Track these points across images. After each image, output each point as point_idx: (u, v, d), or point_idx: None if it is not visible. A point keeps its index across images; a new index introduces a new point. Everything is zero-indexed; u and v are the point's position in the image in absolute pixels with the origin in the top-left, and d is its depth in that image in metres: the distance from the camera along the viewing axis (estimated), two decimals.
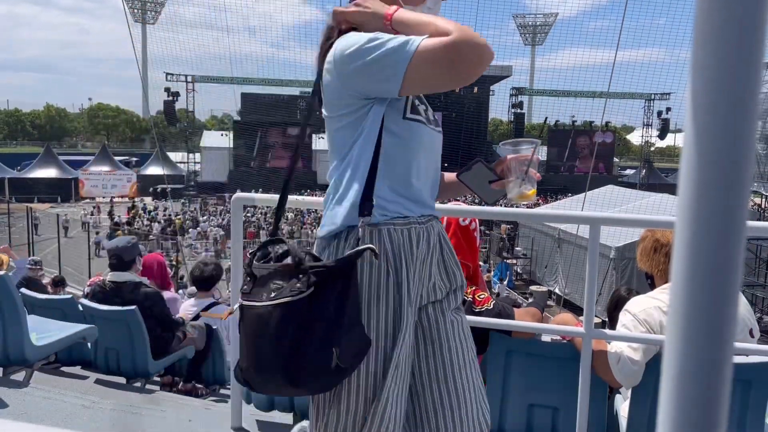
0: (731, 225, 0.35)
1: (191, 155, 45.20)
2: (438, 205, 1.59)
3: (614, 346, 1.99)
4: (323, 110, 1.40)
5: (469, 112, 44.26)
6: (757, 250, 15.16)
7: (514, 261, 20.65)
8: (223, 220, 27.96)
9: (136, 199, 36.37)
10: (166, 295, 4.19)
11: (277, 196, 1.63)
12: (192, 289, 5.91)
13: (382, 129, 1.31)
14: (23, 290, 3.94)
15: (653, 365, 1.92)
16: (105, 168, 39.61)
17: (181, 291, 10.52)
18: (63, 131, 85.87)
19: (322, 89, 1.38)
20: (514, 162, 1.46)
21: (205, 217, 29.89)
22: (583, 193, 15.72)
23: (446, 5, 1.47)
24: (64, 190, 37.35)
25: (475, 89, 44.21)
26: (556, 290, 17.51)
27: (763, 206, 25.96)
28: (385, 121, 1.31)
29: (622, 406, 2.17)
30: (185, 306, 4.59)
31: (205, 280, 4.59)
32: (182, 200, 36.28)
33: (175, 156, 46.51)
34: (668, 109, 44.64)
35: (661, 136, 47.35)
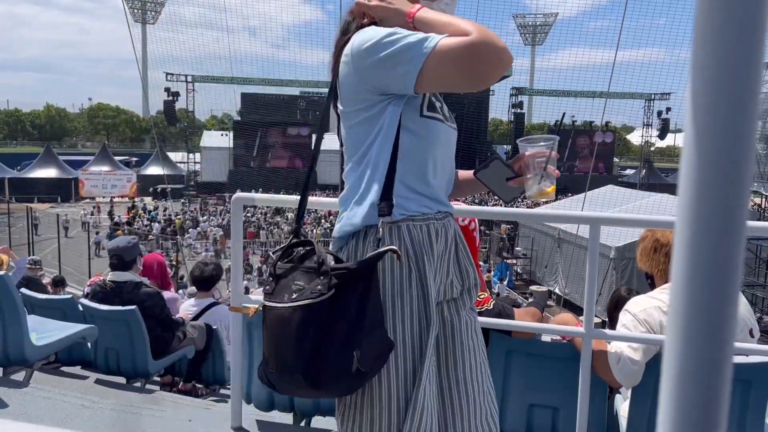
0: (731, 225, 0.35)
1: (191, 155, 45.21)
2: None
3: (614, 346, 1.99)
4: (339, 105, 1.38)
5: (469, 112, 44.23)
6: (757, 250, 15.16)
7: (514, 261, 20.66)
8: (223, 220, 27.97)
9: (136, 199, 36.38)
10: (166, 295, 4.19)
11: (277, 196, 1.64)
12: (192, 289, 5.91)
13: (400, 127, 1.30)
14: (23, 290, 3.94)
15: (653, 365, 1.92)
16: (105, 168, 39.61)
17: (181, 291, 10.53)
18: (63, 131, 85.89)
19: (338, 84, 1.36)
20: (532, 159, 1.44)
21: (205, 217, 29.89)
22: (583, 193, 15.72)
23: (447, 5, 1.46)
24: (64, 190, 37.36)
25: None
26: (556, 290, 17.51)
27: (763, 206, 25.97)
28: (403, 118, 1.30)
29: (622, 406, 2.17)
30: (185, 306, 4.59)
31: (205, 280, 4.59)
32: (182, 200, 36.29)
33: (175, 156, 46.54)
34: (668, 109, 44.66)
35: (661, 136, 47.36)
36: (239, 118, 49.04)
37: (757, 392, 1.89)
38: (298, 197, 1.56)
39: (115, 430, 2.53)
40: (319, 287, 1.19)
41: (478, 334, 1.46)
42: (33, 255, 12.02)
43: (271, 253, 1.40)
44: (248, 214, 27.93)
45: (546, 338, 2.31)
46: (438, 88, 1.28)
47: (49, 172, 38.43)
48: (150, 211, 31.46)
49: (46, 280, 7.56)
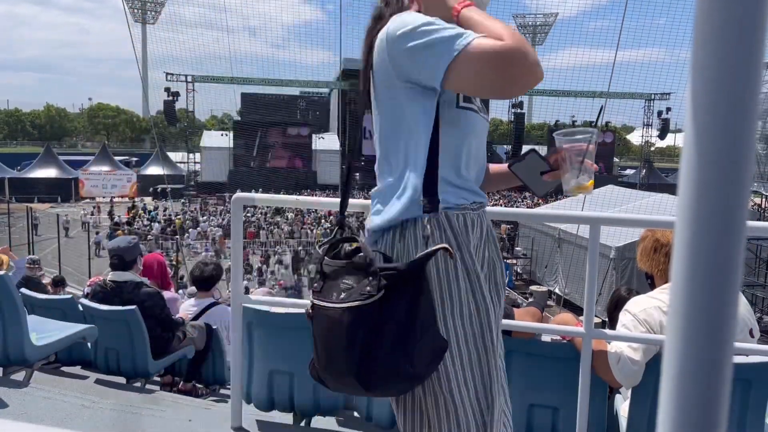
0: (731, 225, 0.35)
1: (191, 155, 45.20)
2: None
3: (614, 346, 1.99)
4: (372, 93, 1.36)
5: None
6: (757, 250, 15.16)
7: (514, 261, 20.66)
8: (223, 220, 27.97)
9: (136, 199, 36.38)
10: (166, 295, 4.19)
11: (277, 196, 1.63)
12: (192, 289, 5.91)
13: (437, 118, 1.28)
14: (23, 290, 3.94)
15: (653, 365, 1.92)
16: (105, 168, 39.61)
17: (181, 291, 10.53)
18: (63, 131, 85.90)
19: (371, 73, 1.34)
20: (569, 153, 1.40)
21: (205, 217, 29.90)
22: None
23: None
24: (64, 190, 37.36)
25: None
26: (556, 290, 17.52)
27: (763, 206, 25.97)
28: (440, 109, 1.28)
29: (622, 406, 2.17)
30: (185, 306, 4.59)
31: (205, 280, 4.59)
32: (182, 200, 36.29)
33: (175, 156, 46.53)
34: (668, 109, 44.66)
35: (661, 136, 47.36)
36: (239, 118, 49.05)
37: (757, 392, 1.89)
38: (298, 197, 1.56)
39: (115, 430, 2.53)
40: (368, 288, 1.17)
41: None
42: (33, 255, 12.02)
43: (317, 247, 1.36)
44: (248, 214, 27.93)
45: (546, 338, 2.31)
46: (464, 87, 1.24)
47: (49, 172, 38.44)
48: (150, 211, 31.46)
49: (46, 280, 7.55)
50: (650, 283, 2.23)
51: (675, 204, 0.38)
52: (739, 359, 1.86)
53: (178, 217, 28.06)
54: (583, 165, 1.39)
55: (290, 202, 2.11)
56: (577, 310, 12.46)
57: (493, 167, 1.59)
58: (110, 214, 30.70)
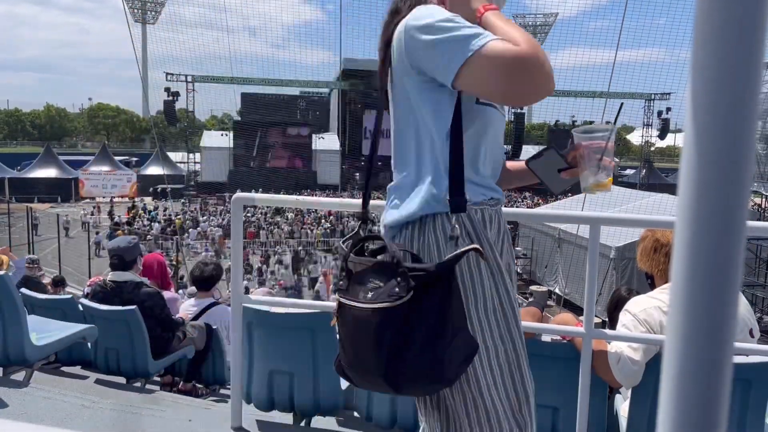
0: (731, 225, 0.35)
1: (191, 155, 45.18)
2: None
3: (614, 346, 1.99)
4: (389, 87, 1.34)
5: None
6: (757, 250, 15.16)
7: (514, 261, 20.63)
8: (223, 220, 27.97)
9: (136, 199, 36.38)
10: (166, 295, 4.18)
11: (277, 196, 1.63)
12: (192, 289, 5.91)
13: (459, 114, 1.26)
14: (23, 290, 3.94)
15: (653, 365, 1.92)
16: (105, 168, 39.61)
17: (181, 291, 10.53)
18: (63, 131, 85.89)
19: (391, 68, 1.32)
20: (587, 150, 1.38)
21: (205, 217, 29.90)
22: (583, 194, 15.72)
23: None
24: (64, 190, 37.36)
25: None
26: (556, 290, 17.52)
27: (763, 206, 25.96)
28: (462, 105, 1.27)
29: (622, 406, 2.17)
30: (185, 306, 4.59)
31: (205, 280, 4.59)
32: (182, 200, 36.28)
33: (175, 156, 46.52)
34: (668, 109, 44.63)
35: (661, 136, 47.33)
36: (239, 118, 49.02)
37: (757, 392, 1.89)
38: (298, 197, 1.55)
39: (115, 430, 2.53)
40: (396, 289, 1.15)
41: None
42: (32, 255, 12.02)
43: (340, 243, 1.35)
44: (248, 214, 27.93)
45: (546, 338, 2.31)
46: (474, 89, 1.22)
47: (49, 172, 38.43)
48: (150, 211, 31.47)
49: (46, 280, 7.55)
50: (650, 283, 2.23)
51: (675, 204, 0.38)
52: (739, 359, 1.86)
53: (178, 217, 28.05)
54: (602, 162, 1.36)
55: (290, 202, 2.11)
56: (577, 310, 12.46)
57: (511, 164, 1.58)
58: (110, 214, 30.71)
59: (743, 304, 2.12)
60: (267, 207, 29.19)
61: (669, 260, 1.99)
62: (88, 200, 36.80)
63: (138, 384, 3.55)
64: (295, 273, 21.09)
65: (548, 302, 16.69)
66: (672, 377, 0.36)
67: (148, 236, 24.05)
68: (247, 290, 8.20)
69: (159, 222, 28.32)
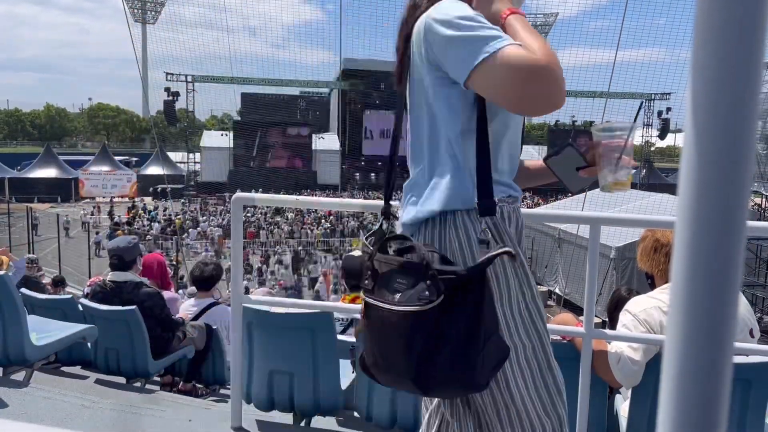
0: (731, 225, 0.35)
1: (191, 155, 45.20)
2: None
3: (614, 346, 1.99)
4: (408, 84, 1.33)
5: None
6: (757, 250, 15.16)
7: None
8: (223, 220, 27.98)
9: (136, 199, 36.39)
10: (166, 295, 4.18)
11: (277, 196, 1.62)
12: (192, 289, 5.91)
13: (483, 114, 1.25)
14: (23, 290, 3.94)
15: (653, 365, 1.92)
16: (105, 168, 39.61)
17: (181, 291, 10.53)
18: (63, 131, 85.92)
19: (412, 64, 1.31)
20: (606, 148, 1.35)
21: (205, 217, 29.90)
22: (583, 193, 15.72)
23: None
24: (64, 190, 37.36)
25: None
26: (556, 290, 17.51)
27: (763, 206, 25.96)
28: (479, 103, 1.26)
29: (622, 406, 2.17)
30: (185, 306, 4.59)
31: (205, 280, 4.59)
32: (182, 200, 36.28)
33: (175, 156, 46.53)
34: (668, 109, 44.63)
35: (661, 136, 47.33)
36: (239, 118, 49.03)
37: (757, 392, 1.89)
38: (298, 197, 1.54)
39: (115, 430, 2.53)
40: (426, 293, 1.12)
41: None
42: (30, 254, 12.02)
43: (363, 239, 1.33)
44: (248, 214, 27.94)
45: None
46: (485, 91, 1.20)
47: (49, 172, 38.44)
48: (150, 211, 31.47)
49: (46, 280, 7.55)
50: (650, 283, 2.23)
51: (675, 204, 0.38)
52: (739, 359, 1.86)
53: (178, 217, 28.04)
54: (621, 161, 1.35)
55: (290, 202, 2.11)
56: (577, 310, 12.46)
57: (528, 162, 1.56)
58: (110, 214, 30.71)
59: (743, 304, 2.12)
60: (267, 207, 29.20)
61: (669, 260, 1.99)
62: (88, 200, 36.80)
63: (138, 384, 3.55)
64: (295, 273, 21.09)
65: (548, 302, 16.70)
66: (672, 377, 0.36)
67: (148, 236, 24.06)
68: (247, 290, 8.20)
69: (159, 222, 28.32)
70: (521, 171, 1.49)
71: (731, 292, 0.35)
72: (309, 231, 26.92)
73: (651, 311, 1.97)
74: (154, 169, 40.70)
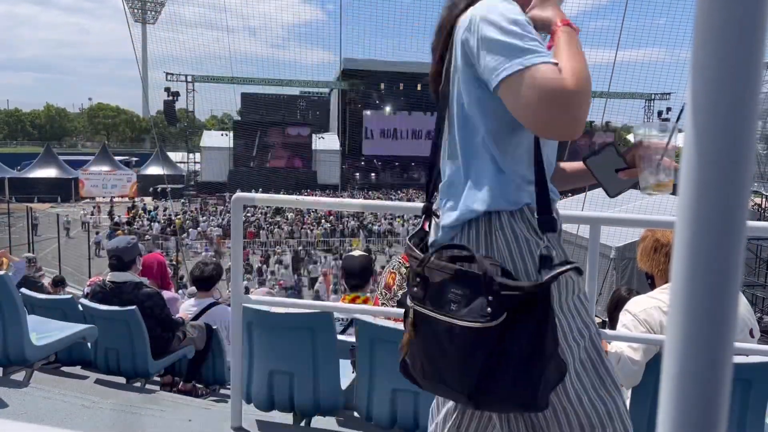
0: (731, 225, 0.35)
1: (191, 155, 45.20)
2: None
3: (614, 346, 1.99)
4: (450, 83, 1.29)
5: None
6: (757, 250, 15.15)
7: None
8: (223, 220, 27.97)
9: (136, 199, 36.38)
10: (166, 295, 4.19)
11: (277, 196, 1.61)
12: (192, 289, 5.91)
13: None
14: (23, 290, 3.94)
15: (653, 365, 1.92)
16: (105, 168, 39.60)
17: (181, 291, 10.54)
18: (63, 131, 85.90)
19: (453, 60, 1.27)
20: (646, 150, 1.31)
21: (204, 217, 29.90)
22: (583, 193, 15.72)
23: None
24: (64, 190, 37.35)
25: None
26: None
27: (763, 206, 25.96)
28: None
29: None
30: (185, 306, 4.58)
31: (205, 280, 4.59)
32: (182, 200, 36.29)
33: (175, 156, 46.51)
34: (668, 109, 44.60)
35: None
36: (239, 118, 49.05)
37: (757, 392, 1.89)
38: (298, 197, 1.52)
39: (115, 430, 2.53)
40: (489, 309, 1.08)
41: None
42: (29, 254, 12.02)
43: (408, 242, 1.31)
44: (248, 214, 27.93)
45: None
46: (507, 104, 1.15)
47: (49, 172, 38.42)
48: (150, 211, 31.47)
49: (46, 280, 7.55)
50: (650, 283, 2.23)
51: (675, 204, 0.38)
52: (739, 359, 1.86)
53: (178, 217, 28.04)
54: (662, 163, 1.31)
55: (290, 202, 2.11)
56: None
57: (565, 164, 1.53)
58: (110, 214, 30.70)
59: (743, 304, 2.12)
60: (267, 207, 29.21)
61: (669, 260, 1.99)
62: (88, 200, 36.79)
63: (138, 384, 3.55)
64: (295, 273, 21.09)
65: None
66: (672, 377, 0.36)
67: (147, 236, 24.06)
68: (247, 290, 8.20)
69: (159, 222, 28.32)
70: (557, 172, 1.46)
71: (731, 292, 0.35)
72: (309, 231, 26.91)
73: (651, 311, 1.97)
74: (154, 169, 40.68)
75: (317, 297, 15.82)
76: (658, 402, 0.37)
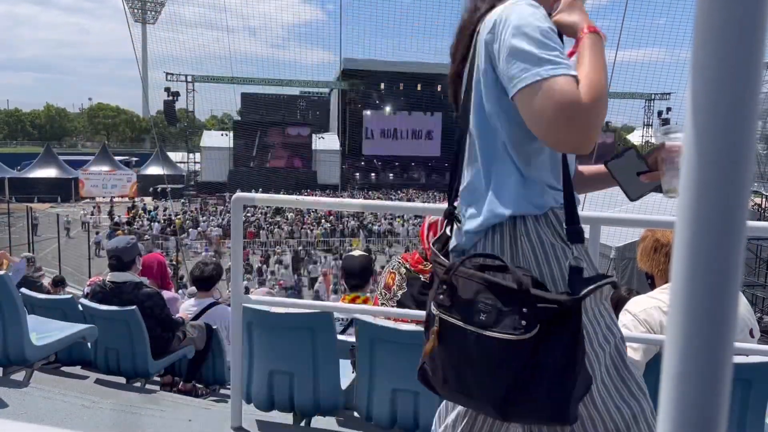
0: (731, 225, 0.35)
1: (191, 155, 45.21)
2: (433, 206, 1.54)
3: None
4: (473, 86, 1.27)
5: None
6: (757, 250, 15.15)
7: None
8: (223, 220, 27.97)
9: (136, 199, 36.38)
10: (166, 295, 4.19)
11: (277, 196, 1.60)
12: (192, 289, 5.91)
13: None
14: (23, 290, 3.94)
15: (653, 365, 1.92)
16: (105, 168, 39.60)
17: (181, 291, 10.53)
18: (63, 131, 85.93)
19: (476, 63, 1.25)
20: (668, 152, 1.28)
21: (204, 217, 29.90)
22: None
23: (448, 6, 1.42)
24: (64, 190, 37.35)
25: None
26: None
27: (763, 206, 25.96)
28: None
29: None
30: (185, 306, 4.59)
31: (205, 280, 4.59)
32: (182, 200, 36.29)
33: (175, 156, 46.51)
34: (668, 109, 44.61)
35: None
36: (239, 118, 49.07)
37: (757, 392, 1.89)
38: (298, 197, 1.51)
39: (115, 430, 2.53)
40: (523, 321, 1.06)
41: None
42: (27, 253, 12.01)
43: (433, 248, 1.29)
44: (248, 214, 27.93)
45: None
46: (523, 112, 1.14)
47: (49, 172, 38.42)
48: (150, 211, 31.47)
49: (46, 280, 7.55)
50: (650, 283, 2.23)
51: (675, 204, 0.38)
52: (739, 359, 1.86)
53: (178, 217, 28.04)
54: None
55: (290, 202, 2.11)
56: None
57: (585, 168, 1.52)
58: (110, 214, 30.70)
59: (743, 304, 2.12)
60: (267, 207, 29.20)
61: (669, 260, 1.98)
62: (88, 200, 36.79)
63: (138, 384, 3.55)
64: (295, 273, 21.10)
65: None
66: (672, 377, 0.36)
67: (147, 236, 24.06)
68: (247, 290, 8.20)
69: (159, 222, 28.32)
70: (576, 176, 1.45)
71: (731, 292, 0.35)
72: (309, 231, 26.91)
73: (651, 311, 1.97)
74: (154, 169, 40.68)
75: (317, 297, 15.82)
76: (658, 402, 0.37)
